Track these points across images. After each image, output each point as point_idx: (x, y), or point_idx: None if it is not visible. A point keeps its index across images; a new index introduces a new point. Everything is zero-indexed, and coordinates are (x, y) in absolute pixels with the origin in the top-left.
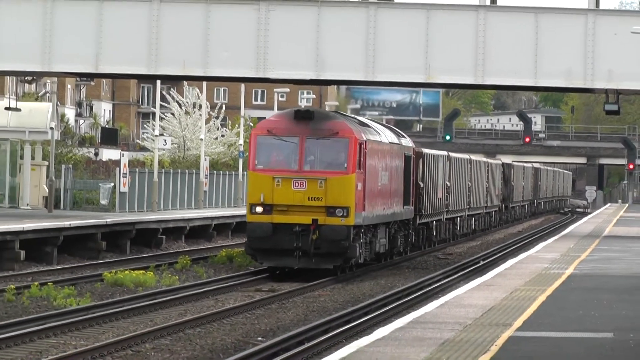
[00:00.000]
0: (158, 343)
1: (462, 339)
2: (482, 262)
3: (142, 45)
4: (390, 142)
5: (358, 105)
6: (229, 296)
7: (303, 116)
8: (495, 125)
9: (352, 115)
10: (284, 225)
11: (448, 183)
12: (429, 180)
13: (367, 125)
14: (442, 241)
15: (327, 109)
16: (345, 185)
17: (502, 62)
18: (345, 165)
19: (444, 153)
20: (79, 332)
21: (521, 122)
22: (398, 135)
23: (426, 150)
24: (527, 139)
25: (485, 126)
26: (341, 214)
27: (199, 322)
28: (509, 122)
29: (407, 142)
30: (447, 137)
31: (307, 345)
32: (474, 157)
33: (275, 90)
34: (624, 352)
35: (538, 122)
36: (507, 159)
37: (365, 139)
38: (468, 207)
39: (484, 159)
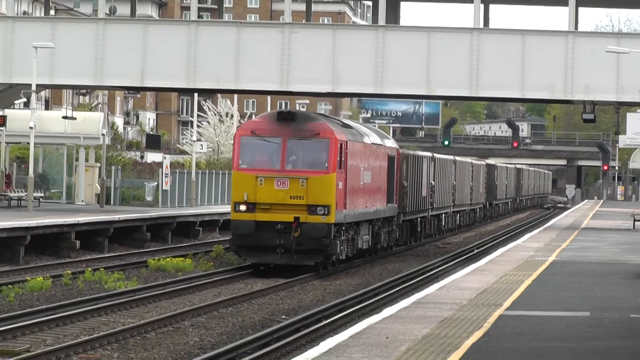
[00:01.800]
0: (195, 321)
1: (458, 317)
2: (476, 251)
3: (181, 63)
4: (372, 143)
5: (368, 115)
6: (256, 280)
7: (285, 117)
8: (488, 132)
9: (335, 117)
10: (266, 223)
11: (433, 182)
12: (413, 180)
13: (350, 127)
14: (427, 236)
15: (341, 117)
16: (326, 184)
17: (493, 77)
18: (326, 165)
19: (428, 154)
20: (127, 311)
21: (510, 129)
22: (382, 137)
23: (410, 152)
24: (515, 144)
25: (478, 133)
26: (322, 212)
27: (231, 302)
28: (500, 129)
29: (390, 143)
30: (446, 142)
31: (324, 322)
32: (458, 158)
33: (296, 101)
34: (599, 329)
35: (524, 129)
36: (497, 161)
37: (346, 139)
38: (453, 204)
39: (469, 160)
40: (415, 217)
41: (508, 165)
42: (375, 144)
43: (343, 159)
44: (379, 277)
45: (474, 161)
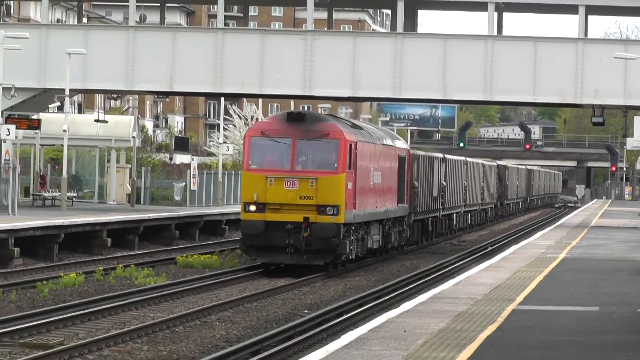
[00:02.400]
0: (222, 315)
1: (473, 312)
2: (490, 248)
3: (208, 68)
4: (383, 144)
5: (387, 118)
6: (280, 276)
7: (295, 118)
8: (501, 135)
9: (345, 118)
10: (276, 223)
11: (444, 183)
12: (424, 180)
13: (360, 128)
14: (439, 235)
15: (361, 120)
16: (335, 184)
17: (506, 82)
18: (336, 165)
19: (439, 155)
20: (156, 306)
21: (522, 132)
22: (392, 137)
23: (420, 153)
24: (527, 146)
25: (492, 135)
26: (331, 212)
27: (255, 297)
28: (513, 132)
29: (401, 144)
30: (461, 145)
31: (345, 316)
32: (469, 159)
33: (319, 105)
34: (607, 323)
35: (536, 132)
36: (510, 162)
37: (355, 140)
38: (464, 204)
39: (480, 161)
40: (426, 217)
41: (519, 166)
42: (385, 144)
43: (352, 159)
44: (397, 274)
45: (485, 162)
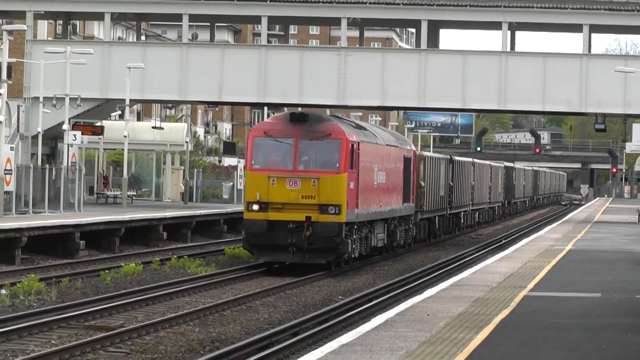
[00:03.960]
0: (265, 300)
1: (489, 297)
2: (504, 241)
3: (253, 81)
4: (387, 145)
5: (412, 125)
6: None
7: (298, 119)
8: (514, 140)
9: (349, 119)
10: (278, 222)
11: (451, 183)
12: (431, 180)
13: (364, 129)
14: (446, 233)
15: (389, 127)
16: (337, 184)
17: (519, 92)
18: (337, 165)
19: (446, 157)
20: (206, 292)
21: (533, 137)
22: (398, 138)
23: (426, 154)
24: (537, 150)
25: (506, 140)
26: (333, 212)
27: (295, 284)
28: (524, 138)
29: (407, 145)
30: (478, 149)
31: (374, 302)
32: (477, 160)
33: (351, 114)
34: (608, 308)
35: (545, 137)
36: (522, 165)
37: (358, 140)
38: (471, 202)
39: (487, 163)
40: (433, 216)
41: (525, 168)
42: (390, 145)
43: (355, 159)
44: (420, 263)
45: (492, 163)
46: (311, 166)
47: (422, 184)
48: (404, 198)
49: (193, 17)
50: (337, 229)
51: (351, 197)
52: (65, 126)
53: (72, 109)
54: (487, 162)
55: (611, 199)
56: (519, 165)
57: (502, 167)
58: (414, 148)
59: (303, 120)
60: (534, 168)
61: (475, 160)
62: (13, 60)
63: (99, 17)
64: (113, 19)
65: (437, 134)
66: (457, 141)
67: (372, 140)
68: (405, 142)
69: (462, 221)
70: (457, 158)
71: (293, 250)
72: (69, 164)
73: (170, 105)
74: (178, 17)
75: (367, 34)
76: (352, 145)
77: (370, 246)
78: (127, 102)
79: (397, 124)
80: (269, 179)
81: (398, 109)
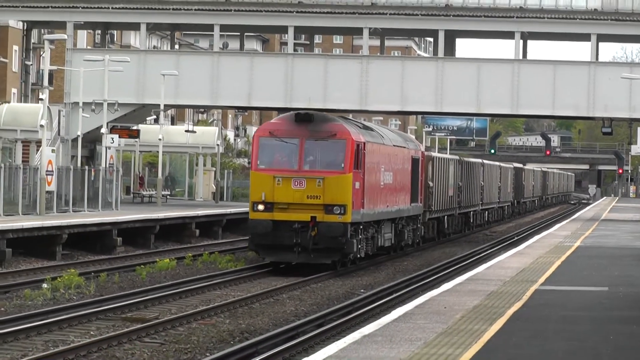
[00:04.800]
0: (291, 294)
1: (502, 291)
2: (516, 238)
3: (280, 87)
4: (394, 145)
5: (430, 129)
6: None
7: (303, 119)
8: (526, 143)
9: (355, 120)
10: (284, 222)
11: (460, 183)
12: (439, 181)
13: (370, 129)
14: (456, 232)
15: (408, 132)
16: (342, 184)
17: (530, 98)
18: (343, 165)
19: (455, 157)
20: (236, 286)
21: (543, 140)
22: (405, 139)
23: (435, 154)
24: (548, 152)
25: (518, 143)
26: (338, 212)
27: (319, 279)
28: (535, 140)
29: (414, 146)
30: (492, 151)
31: (394, 295)
32: (486, 161)
33: (373, 118)
34: (615, 301)
35: (555, 140)
36: (533, 166)
37: (364, 140)
38: (481, 202)
39: (496, 164)
40: (442, 215)
41: (535, 169)
42: (397, 146)
43: (360, 159)
44: (438, 259)
45: (502, 164)
46: (316, 166)
47: (431, 184)
48: (411, 198)
49: (224, 27)
50: (342, 229)
51: (356, 197)
52: (103, 130)
53: (110, 113)
54: (497, 163)
55: (617, 198)
56: (529, 166)
57: (511, 168)
58: (422, 149)
59: (308, 120)
60: (543, 169)
61: (485, 161)
62: (54, 67)
63: (135, 27)
64: (148, 29)
65: (454, 137)
66: (472, 144)
67: (378, 141)
68: (413, 142)
69: (471, 220)
70: (465, 159)
71: (298, 250)
72: (107, 165)
73: (202, 110)
74: (210, 27)
75: (388, 43)
76: (358, 146)
77: (376, 246)
78: (162, 107)
79: (416, 127)
80: (274, 179)
81: (417, 113)
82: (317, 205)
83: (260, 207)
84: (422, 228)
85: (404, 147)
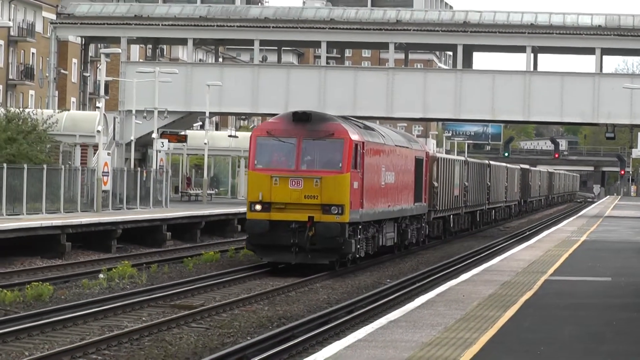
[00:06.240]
0: (324, 283)
1: (515, 281)
2: (527, 233)
3: (314, 96)
4: (396, 146)
5: (449, 134)
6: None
7: (300, 118)
8: (536, 147)
9: (355, 120)
10: (281, 222)
11: (466, 183)
12: (445, 180)
13: (371, 129)
14: (463, 230)
15: (429, 137)
16: (339, 184)
17: (540, 106)
18: (340, 164)
19: (461, 158)
20: (274, 276)
21: (552, 144)
22: (409, 140)
23: (440, 155)
24: (556, 155)
25: (529, 147)
26: (336, 212)
27: (350, 269)
28: (545, 145)
29: (418, 146)
30: (506, 154)
31: (417, 285)
32: (493, 162)
33: (398, 124)
34: (617, 289)
35: (563, 144)
36: (540, 167)
37: (362, 140)
38: (487, 202)
39: (503, 165)
40: (447, 214)
41: (541, 170)
42: (399, 146)
43: (359, 159)
44: (457, 252)
45: (508, 165)
46: (314, 166)
47: (436, 184)
48: (415, 197)
49: (263, 42)
50: (339, 229)
51: (355, 197)
52: (154, 135)
53: (160, 120)
54: (503, 164)
55: (619, 197)
56: (538, 167)
57: (518, 168)
58: (426, 149)
59: (306, 119)
60: (549, 170)
61: (491, 162)
62: (110, 79)
63: (183, 42)
64: (195, 44)
65: (471, 141)
66: (488, 148)
67: (378, 141)
68: (417, 143)
69: (478, 219)
70: (471, 160)
71: (295, 251)
72: (157, 167)
73: (243, 116)
74: (250, 42)
75: (411, 56)
76: (356, 145)
77: (377, 245)
78: (207, 114)
79: (437, 132)
80: (271, 179)
81: (437, 120)
82: (315, 205)
83: (258, 207)
84: (426, 227)
85: (407, 148)
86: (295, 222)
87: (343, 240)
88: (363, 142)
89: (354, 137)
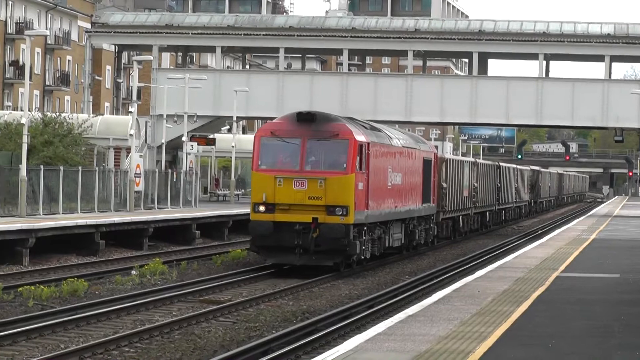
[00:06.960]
0: (346, 279)
1: (528, 277)
2: (540, 231)
3: (336, 100)
4: (404, 147)
5: (465, 137)
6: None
7: (305, 118)
8: (548, 149)
9: (361, 120)
10: (285, 223)
11: (475, 184)
12: (454, 181)
13: (378, 130)
14: (473, 231)
15: (446, 140)
16: (344, 185)
17: (552, 110)
18: (345, 165)
19: (471, 159)
20: (299, 272)
21: (563, 147)
22: (417, 141)
23: (449, 156)
24: (567, 157)
25: (542, 150)
26: (340, 213)
27: (369, 267)
28: (557, 147)
29: (426, 147)
30: (519, 157)
31: (435, 280)
32: (502, 164)
33: (416, 128)
34: (625, 286)
35: (574, 147)
36: (553, 169)
37: (368, 141)
38: (497, 202)
39: (513, 166)
40: (457, 215)
41: (551, 171)
42: (406, 147)
43: (364, 160)
44: (472, 250)
45: (518, 167)
46: (318, 167)
47: (444, 185)
48: (423, 198)
49: (288, 50)
50: (344, 230)
51: (360, 198)
52: (184, 138)
53: (190, 124)
54: (513, 165)
55: (627, 197)
56: (550, 169)
57: (527, 170)
58: (434, 150)
59: (310, 120)
60: (559, 171)
61: (501, 164)
62: (142, 84)
63: (211, 49)
64: (223, 51)
65: (486, 144)
66: (502, 150)
67: (385, 142)
68: (425, 144)
69: (487, 219)
70: (480, 161)
71: (300, 252)
72: (187, 169)
73: (269, 121)
74: (276, 50)
75: (429, 63)
76: (361, 146)
77: (384, 246)
78: (235, 118)
79: (453, 136)
80: (275, 180)
81: (454, 124)
82: (319, 206)
83: (262, 208)
84: (435, 227)
85: (415, 149)
86: (300, 224)
87: (348, 241)
88: (368, 143)
89: (359, 137)
